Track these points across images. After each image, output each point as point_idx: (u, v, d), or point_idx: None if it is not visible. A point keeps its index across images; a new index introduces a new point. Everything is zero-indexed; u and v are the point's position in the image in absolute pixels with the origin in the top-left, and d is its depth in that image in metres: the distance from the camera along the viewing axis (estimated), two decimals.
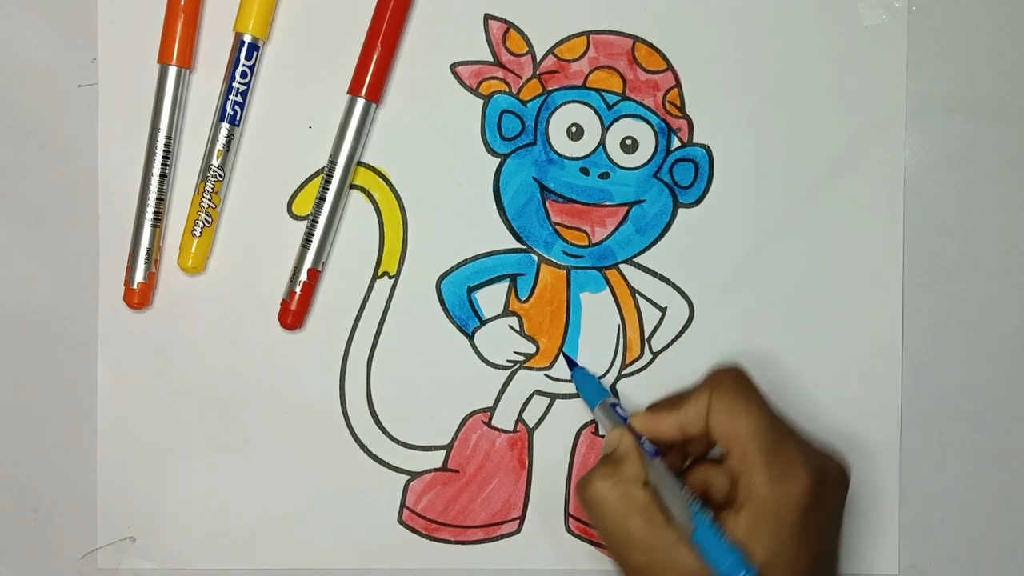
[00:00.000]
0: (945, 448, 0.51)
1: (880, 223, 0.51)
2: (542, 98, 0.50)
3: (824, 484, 0.43)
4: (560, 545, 0.51)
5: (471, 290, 0.51)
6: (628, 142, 0.50)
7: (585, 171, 0.50)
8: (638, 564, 0.42)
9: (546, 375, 0.51)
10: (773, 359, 0.51)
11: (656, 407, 0.46)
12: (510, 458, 0.51)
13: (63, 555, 0.50)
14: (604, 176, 0.51)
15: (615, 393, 0.51)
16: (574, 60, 0.50)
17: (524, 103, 0.50)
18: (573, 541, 0.51)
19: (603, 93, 0.50)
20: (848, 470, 0.45)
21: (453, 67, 0.50)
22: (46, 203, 0.50)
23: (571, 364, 0.50)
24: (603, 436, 0.51)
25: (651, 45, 0.51)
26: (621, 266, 0.51)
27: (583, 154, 0.50)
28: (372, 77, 0.49)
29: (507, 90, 0.50)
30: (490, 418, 0.51)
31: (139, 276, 0.49)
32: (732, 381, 0.44)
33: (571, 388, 0.51)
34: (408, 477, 0.51)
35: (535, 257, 0.51)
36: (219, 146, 0.49)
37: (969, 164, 0.51)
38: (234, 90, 0.49)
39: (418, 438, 0.51)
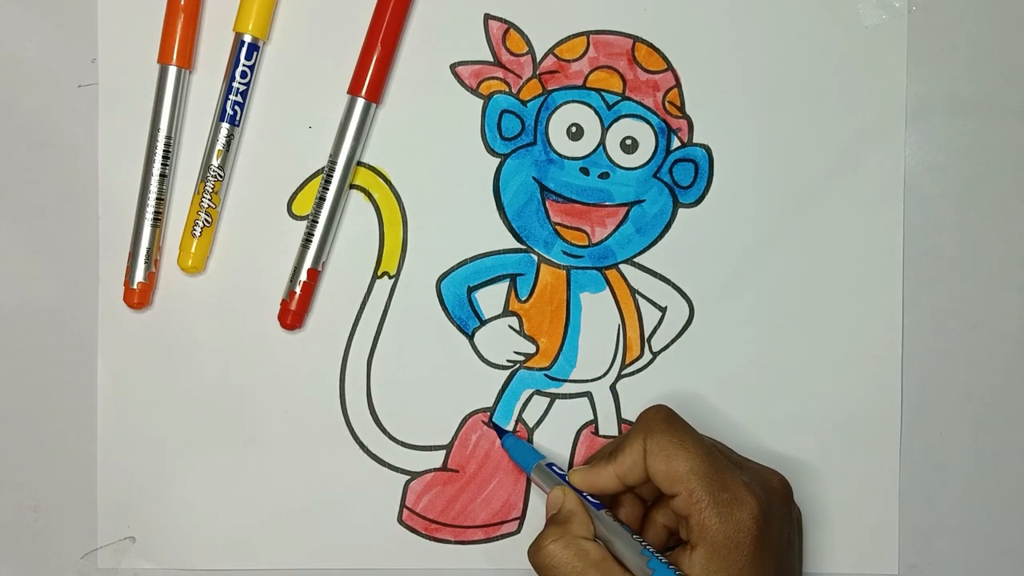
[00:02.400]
0: (945, 448, 0.51)
1: (880, 223, 0.51)
2: (542, 98, 0.50)
3: (770, 503, 0.43)
4: None
5: (471, 290, 0.51)
6: (628, 142, 0.50)
7: (585, 171, 0.50)
8: None
9: (546, 375, 0.51)
10: (773, 359, 0.51)
11: (592, 460, 0.47)
12: (510, 458, 0.51)
13: (63, 555, 0.50)
14: (604, 176, 0.51)
15: (615, 394, 0.50)
16: (574, 60, 0.50)
17: (524, 103, 0.50)
18: None
19: (603, 93, 0.50)
20: (787, 483, 0.45)
21: (453, 67, 0.50)
22: (46, 203, 0.50)
23: (500, 432, 0.50)
24: (603, 436, 0.51)
25: (651, 45, 0.51)
26: (621, 266, 0.51)
27: (583, 154, 0.50)
28: (372, 77, 0.49)
29: (507, 90, 0.50)
30: (490, 418, 0.51)
31: (139, 276, 0.49)
32: (663, 423, 0.44)
33: (571, 388, 0.51)
34: (408, 477, 0.51)
35: (535, 257, 0.51)
36: (219, 146, 0.49)
37: (969, 164, 0.51)
38: (234, 90, 0.49)
39: (418, 438, 0.51)
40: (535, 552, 0.43)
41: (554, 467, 0.48)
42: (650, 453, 0.44)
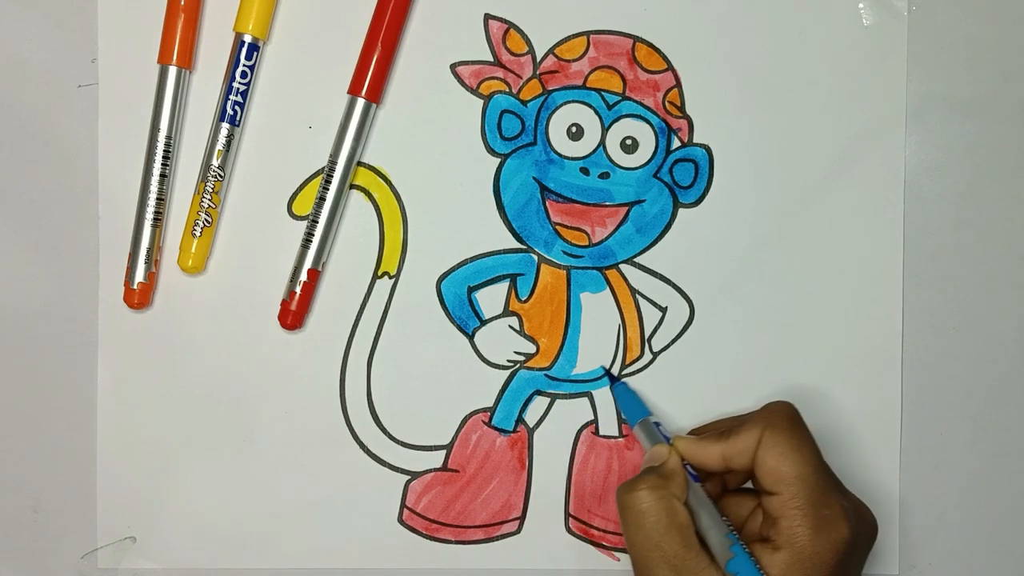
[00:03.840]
0: (945, 448, 0.51)
1: (880, 223, 0.51)
2: (542, 98, 0.50)
3: (860, 536, 0.43)
4: (560, 545, 0.51)
5: (471, 290, 0.51)
6: (628, 142, 0.50)
7: (585, 171, 0.50)
8: None
9: (546, 375, 0.51)
10: (773, 359, 0.51)
11: (702, 434, 0.46)
12: (510, 458, 0.51)
13: (63, 555, 0.50)
14: (604, 176, 0.51)
15: (615, 394, 0.50)
16: (574, 60, 0.50)
17: (524, 103, 0.50)
18: (573, 541, 0.51)
19: (603, 93, 0.50)
20: (877, 523, 0.45)
21: (453, 67, 0.50)
22: (46, 203, 0.50)
23: (612, 379, 0.50)
24: (603, 436, 0.50)
25: (651, 45, 0.51)
26: (621, 266, 0.51)
27: (583, 154, 0.50)
28: (372, 77, 0.49)
29: (507, 90, 0.50)
30: (490, 418, 0.51)
31: (139, 276, 0.49)
32: (786, 421, 0.44)
33: (571, 388, 0.51)
34: (408, 477, 0.51)
35: (535, 257, 0.51)
36: (219, 146, 0.49)
37: (969, 164, 0.51)
38: (234, 90, 0.49)
39: (418, 438, 0.51)
40: (627, 491, 0.43)
41: (661, 427, 0.47)
42: (764, 446, 0.43)
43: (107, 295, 0.50)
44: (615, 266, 0.51)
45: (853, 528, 0.42)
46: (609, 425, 0.51)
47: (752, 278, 0.51)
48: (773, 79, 0.51)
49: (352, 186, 0.50)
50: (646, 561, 0.42)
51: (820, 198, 0.51)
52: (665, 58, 0.51)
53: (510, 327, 0.51)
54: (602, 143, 0.50)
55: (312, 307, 0.50)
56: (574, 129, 0.50)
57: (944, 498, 0.51)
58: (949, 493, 0.51)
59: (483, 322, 0.51)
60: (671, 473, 0.44)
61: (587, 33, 0.50)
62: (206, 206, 0.49)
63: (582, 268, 0.51)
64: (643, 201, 0.51)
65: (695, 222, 0.51)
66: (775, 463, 0.43)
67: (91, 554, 0.50)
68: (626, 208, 0.51)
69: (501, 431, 0.51)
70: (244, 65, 0.49)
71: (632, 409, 0.49)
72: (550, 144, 0.50)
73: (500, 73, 0.50)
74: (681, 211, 0.51)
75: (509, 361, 0.51)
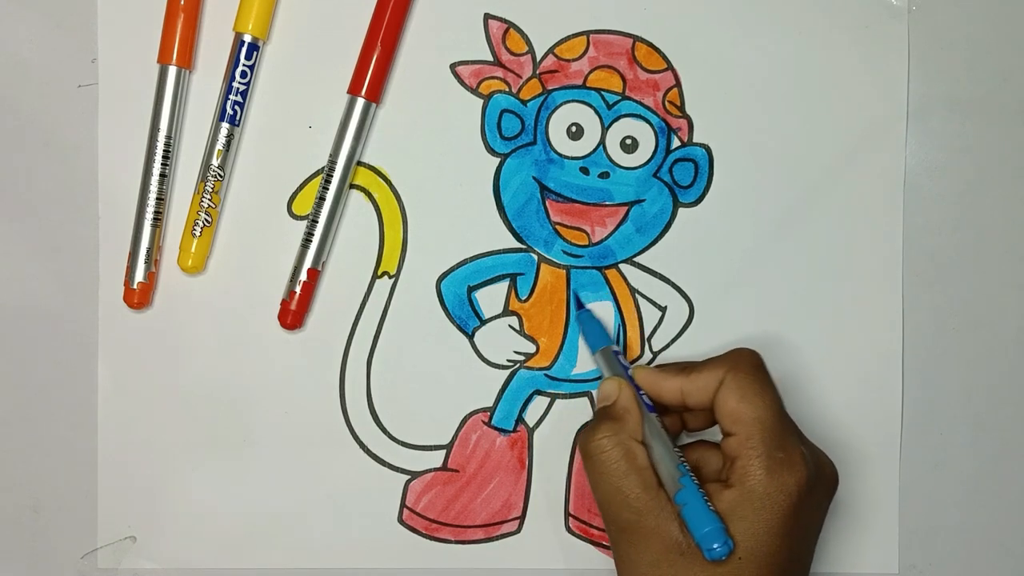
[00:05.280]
0: (945, 448, 0.51)
1: (880, 223, 0.51)
2: (542, 98, 0.50)
3: (816, 484, 0.43)
4: (560, 545, 0.51)
5: (471, 290, 0.51)
6: (628, 142, 0.50)
7: (585, 171, 0.50)
8: (625, 521, 0.43)
9: (546, 375, 0.51)
10: (773, 359, 0.51)
11: (663, 367, 0.47)
12: (510, 458, 0.51)
13: (63, 555, 0.50)
14: (604, 176, 0.51)
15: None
16: (574, 60, 0.50)
17: (524, 103, 0.50)
18: (573, 541, 0.51)
19: (603, 93, 0.50)
20: (837, 473, 0.45)
21: (453, 67, 0.50)
22: (46, 203, 0.50)
23: (579, 304, 0.50)
24: None
25: (651, 45, 0.51)
26: (621, 266, 0.51)
27: (583, 154, 0.50)
28: (372, 77, 0.49)
29: (507, 90, 0.50)
30: (490, 418, 0.51)
31: (139, 276, 0.49)
32: (751, 365, 0.44)
33: (571, 388, 0.51)
34: (408, 477, 0.51)
35: (535, 257, 0.51)
36: (219, 146, 0.49)
37: (969, 164, 0.51)
38: (234, 90, 0.49)
39: (418, 438, 0.51)
40: (586, 440, 0.44)
41: (620, 356, 0.47)
42: (726, 386, 0.44)
43: (107, 295, 0.50)
44: (615, 266, 0.51)
45: (809, 474, 0.42)
46: None
47: (752, 278, 0.51)
48: (773, 79, 0.51)
49: (352, 186, 0.50)
50: (609, 504, 0.43)
51: (820, 198, 0.51)
52: (665, 58, 0.51)
53: (510, 327, 0.51)
54: (602, 143, 0.50)
55: (312, 307, 0.50)
56: (574, 129, 0.50)
57: (944, 498, 0.51)
58: (949, 493, 0.51)
59: (483, 322, 0.51)
60: (623, 412, 0.45)
61: (587, 33, 0.50)
62: (206, 206, 0.49)
63: (582, 268, 0.51)
64: (643, 201, 0.51)
65: (695, 222, 0.51)
66: (735, 404, 0.43)
67: (91, 554, 0.50)
68: (626, 208, 0.51)
69: (501, 431, 0.51)
70: (244, 65, 0.49)
71: (595, 336, 0.49)
72: (550, 144, 0.50)
73: (500, 73, 0.50)
74: (681, 211, 0.51)
75: (509, 361, 0.51)
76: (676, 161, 0.51)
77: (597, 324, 0.49)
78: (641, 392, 0.46)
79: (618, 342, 0.51)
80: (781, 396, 0.44)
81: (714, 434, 0.47)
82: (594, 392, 0.51)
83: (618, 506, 0.43)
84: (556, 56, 0.50)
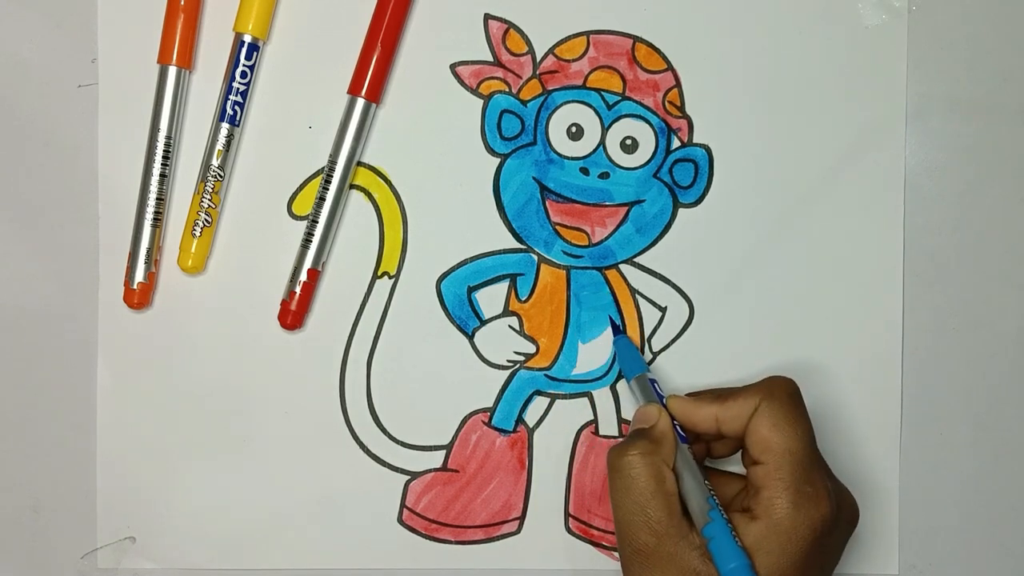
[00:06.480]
0: (945, 448, 0.51)
1: (880, 223, 0.51)
2: (542, 98, 0.50)
3: (839, 519, 0.43)
4: (560, 545, 0.51)
5: (471, 290, 0.51)
6: (628, 142, 0.50)
7: (585, 171, 0.50)
8: (643, 544, 0.42)
9: (546, 375, 0.51)
10: (773, 359, 0.51)
11: (697, 395, 0.46)
12: (510, 458, 0.51)
13: (63, 555, 0.50)
14: (604, 176, 0.51)
15: (615, 394, 0.50)
16: (574, 60, 0.50)
17: (524, 103, 0.50)
18: (573, 541, 0.51)
19: (603, 93, 0.50)
20: (858, 511, 0.45)
21: (453, 67, 0.50)
22: (46, 203, 0.50)
23: (616, 329, 0.50)
24: (603, 436, 0.50)
25: (651, 45, 0.51)
26: (621, 266, 0.51)
27: (583, 154, 0.50)
28: (372, 77, 0.49)
29: (507, 90, 0.50)
30: (490, 418, 0.51)
31: (139, 276, 0.49)
32: (786, 395, 0.44)
33: (571, 388, 0.51)
34: (408, 477, 0.51)
35: (535, 257, 0.51)
36: (219, 146, 0.49)
37: (969, 164, 0.51)
38: (234, 90, 0.49)
39: (418, 438, 0.51)
40: (618, 454, 0.43)
41: (656, 385, 0.47)
42: (760, 414, 0.43)
43: (107, 295, 0.50)
44: (615, 266, 0.51)
45: (833, 510, 0.42)
46: (609, 425, 0.51)
47: (752, 278, 0.51)
48: (773, 79, 0.51)
49: (352, 186, 0.50)
50: (629, 524, 0.43)
51: (820, 198, 0.51)
52: (665, 58, 0.51)
53: (510, 327, 0.51)
54: (602, 143, 0.50)
55: (312, 307, 0.50)
56: (574, 129, 0.50)
57: (944, 498, 0.51)
58: (949, 493, 0.51)
59: (483, 322, 0.51)
60: (661, 436, 0.44)
61: (587, 33, 0.51)
62: (206, 206, 0.49)
63: (582, 268, 0.51)
64: (643, 201, 0.51)
65: (695, 222, 0.51)
66: (767, 433, 0.43)
67: (91, 554, 0.50)
68: (626, 208, 0.51)
69: (501, 431, 0.51)
70: (244, 65, 0.49)
71: (631, 363, 0.49)
72: (550, 144, 0.50)
73: (500, 73, 0.50)
74: (681, 211, 0.51)
75: (509, 361, 0.51)
76: (676, 161, 0.51)
77: (635, 351, 0.49)
78: (674, 421, 0.45)
79: None
80: (814, 429, 0.44)
81: (732, 462, 0.47)
82: (594, 392, 0.51)
83: (638, 527, 0.42)
84: (556, 56, 0.50)
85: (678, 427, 0.45)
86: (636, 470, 0.43)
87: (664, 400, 0.46)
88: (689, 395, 0.47)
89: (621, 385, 0.51)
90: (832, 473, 0.45)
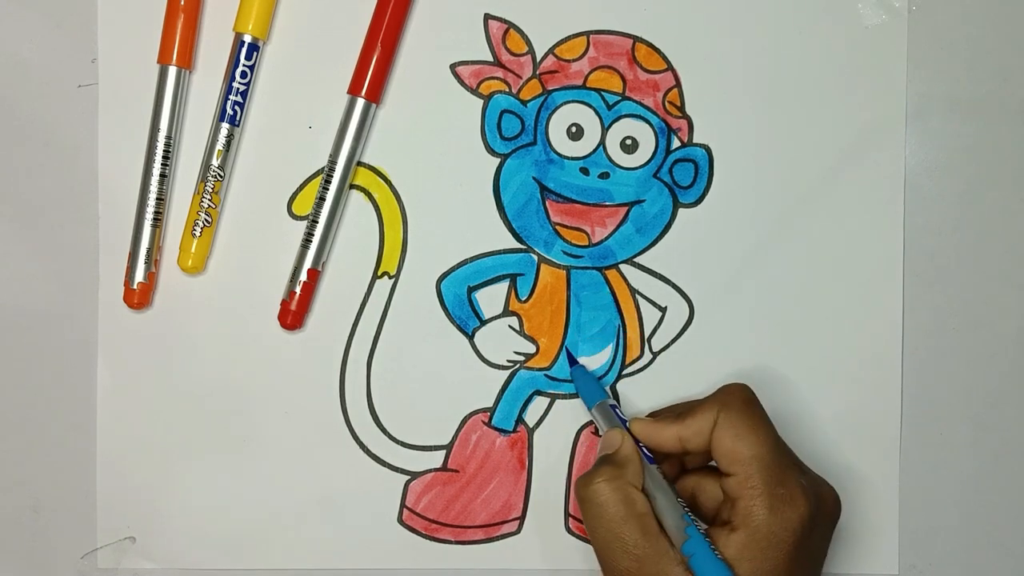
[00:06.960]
0: (945, 448, 0.51)
1: (880, 223, 0.51)
2: (542, 98, 0.50)
3: (819, 514, 0.43)
4: (560, 545, 0.51)
5: (471, 290, 0.51)
6: (628, 142, 0.50)
7: (585, 171, 0.50)
8: (625, 570, 0.42)
9: (546, 375, 0.51)
10: (773, 359, 0.51)
11: (658, 415, 0.46)
12: (510, 458, 0.51)
13: (63, 555, 0.50)
14: (604, 176, 0.51)
15: (615, 394, 0.51)
16: (574, 60, 0.50)
17: (524, 103, 0.50)
18: (573, 541, 0.51)
19: (603, 93, 0.50)
20: (839, 501, 0.45)
21: (453, 67, 0.50)
22: (46, 203, 0.50)
23: (572, 360, 0.50)
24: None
25: (651, 45, 0.51)
26: (621, 266, 0.51)
27: (583, 154, 0.50)
28: (372, 77, 0.49)
29: (507, 90, 0.50)
30: (490, 418, 0.51)
31: (139, 276, 0.49)
32: (741, 402, 0.44)
33: (571, 388, 0.51)
34: (408, 477, 0.51)
35: (535, 257, 0.51)
36: (219, 146, 0.49)
37: (969, 164, 0.51)
38: (234, 90, 0.49)
39: (418, 438, 0.51)
40: (584, 485, 0.43)
41: (617, 410, 0.47)
42: (720, 427, 0.43)
43: (107, 295, 0.50)
44: (615, 266, 0.51)
45: (811, 506, 0.42)
46: None
47: (752, 278, 0.51)
48: (773, 79, 0.51)
49: (352, 186, 0.50)
50: (609, 552, 0.43)
51: (820, 198, 0.51)
52: (665, 58, 0.51)
53: (510, 327, 0.51)
54: (602, 143, 0.50)
55: (312, 307, 0.50)
56: (574, 129, 0.50)
57: (944, 498, 0.51)
58: (949, 493, 0.51)
59: (483, 322, 0.51)
60: (625, 460, 0.44)
61: (587, 33, 0.51)
62: (206, 206, 0.49)
63: (582, 268, 0.51)
64: (643, 201, 0.51)
65: (695, 222, 0.51)
66: (731, 444, 0.43)
67: (91, 554, 0.50)
68: (626, 208, 0.51)
69: (501, 431, 0.51)
70: (244, 65, 0.49)
71: (590, 392, 0.49)
72: (550, 144, 0.50)
73: (500, 73, 0.50)
74: (681, 211, 0.51)
75: (509, 361, 0.51)
76: (676, 161, 0.51)
77: (592, 379, 0.49)
78: (640, 444, 0.45)
79: (618, 343, 0.51)
80: (776, 426, 0.44)
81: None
82: None
83: (617, 553, 0.42)
84: (556, 56, 0.50)
85: (644, 448, 0.45)
86: (604, 496, 0.43)
87: (627, 424, 0.46)
88: (651, 415, 0.47)
89: (621, 385, 0.51)
90: (805, 467, 0.45)
